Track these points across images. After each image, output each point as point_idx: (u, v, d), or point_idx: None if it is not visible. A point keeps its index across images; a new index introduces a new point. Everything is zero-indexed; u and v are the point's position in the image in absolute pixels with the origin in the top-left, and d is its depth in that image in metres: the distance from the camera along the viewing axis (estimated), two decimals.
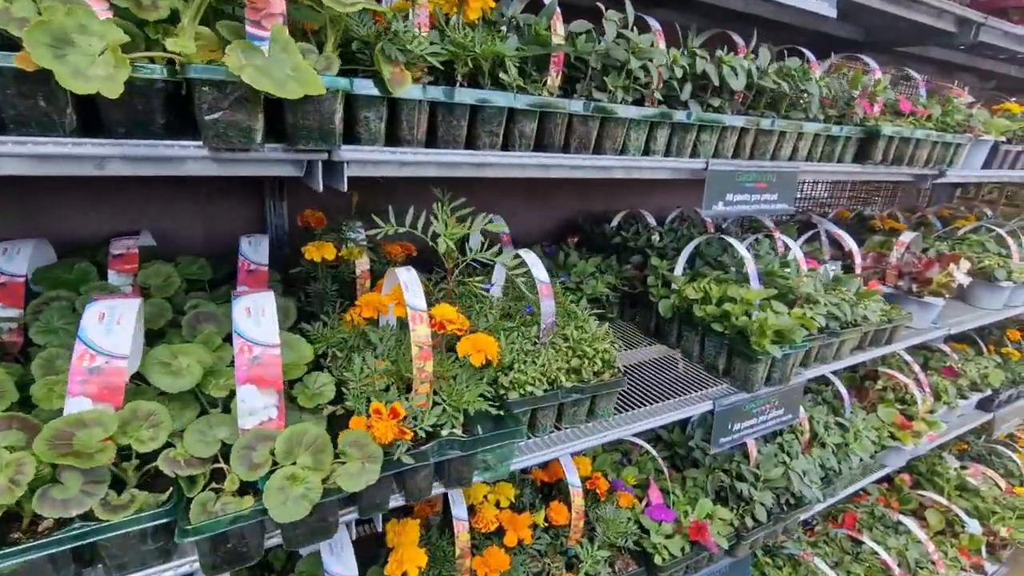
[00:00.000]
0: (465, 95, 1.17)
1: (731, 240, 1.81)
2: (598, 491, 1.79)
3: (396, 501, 1.15)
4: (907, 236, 2.42)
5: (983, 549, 3.00)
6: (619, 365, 1.49)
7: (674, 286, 1.96)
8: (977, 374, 3.02)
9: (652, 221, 2.45)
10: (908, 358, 2.77)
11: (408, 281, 1.18)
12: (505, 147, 1.32)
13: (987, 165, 2.62)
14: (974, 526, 3.04)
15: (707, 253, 2.21)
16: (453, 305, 1.23)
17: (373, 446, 0.97)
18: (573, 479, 1.68)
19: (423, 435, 1.10)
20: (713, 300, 1.81)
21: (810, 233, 2.77)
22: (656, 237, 2.40)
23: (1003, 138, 2.51)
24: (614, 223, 2.54)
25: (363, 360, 1.20)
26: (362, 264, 1.62)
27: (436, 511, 1.71)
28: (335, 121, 0.99)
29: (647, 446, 1.88)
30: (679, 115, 1.51)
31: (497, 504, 1.66)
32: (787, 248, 2.42)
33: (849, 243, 2.15)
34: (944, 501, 3.06)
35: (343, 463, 0.97)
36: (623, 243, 2.34)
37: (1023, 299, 2.89)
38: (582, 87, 1.41)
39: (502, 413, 1.22)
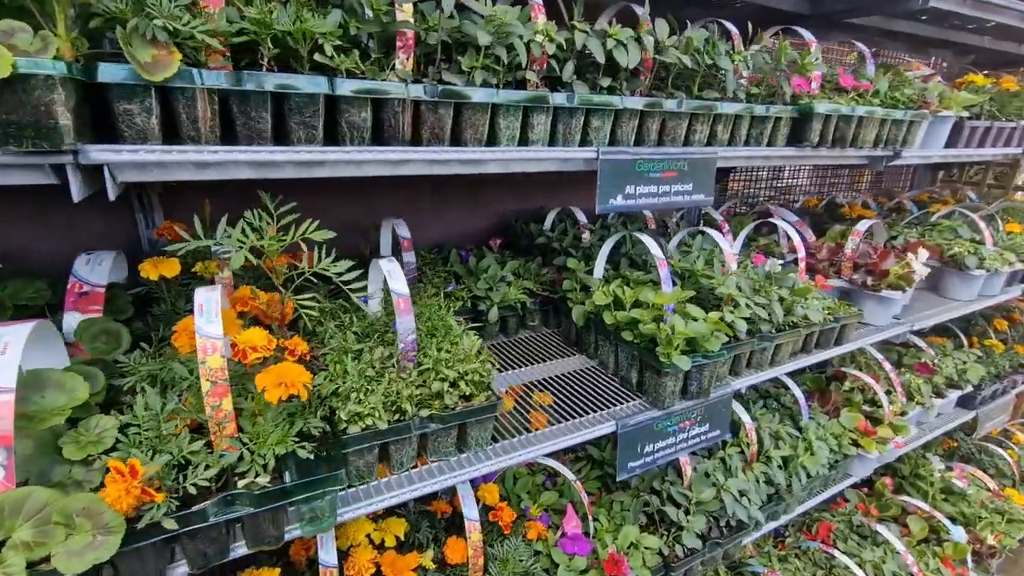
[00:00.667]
0: (259, 81, 0.99)
1: (642, 237, 1.62)
2: (501, 523, 1.60)
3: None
4: (863, 224, 2.21)
5: (968, 558, 2.77)
6: (496, 387, 1.30)
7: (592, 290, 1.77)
8: (955, 370, 2.80)
9: (583, 218, 2.26)
10: (878, 356, 2.56)
11: (204, 302, 1.00)
12: (336, 141, 1.14)
13: (951, 143, 2.40)
14: (959, 533, 2.81)
15: (633, 253, 2.01)
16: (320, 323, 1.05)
17: (110, 513, 0.79)
18: (469, 511, 1.49)
19: (212, 487, 0.92)
20: (626, 305, 1.62)
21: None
22: (587, 235, 2.21)
23: (966, 113, 2.29)
24: (547, 222, 2.36)
25: (162, 397, 1.02)
26: (222, 280, 1.44)
27: (312, 554, 1.53)
28: (56, 115, 0.81)
29: (562, 468, 1.69)
30: (557, 98, 1.32)
31: (381, 544, 1.48)
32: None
33: (792, 235, 1.95)
34: (926, 507, 2.84)
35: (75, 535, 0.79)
36: (547, 244, 2.15)
37: (999, 288, 2.67)
38: (433, 69, 1.23)
39: (326, 453, 1.04)
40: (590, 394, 1.63)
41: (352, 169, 1.17)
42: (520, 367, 1.80)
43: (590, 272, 1.85)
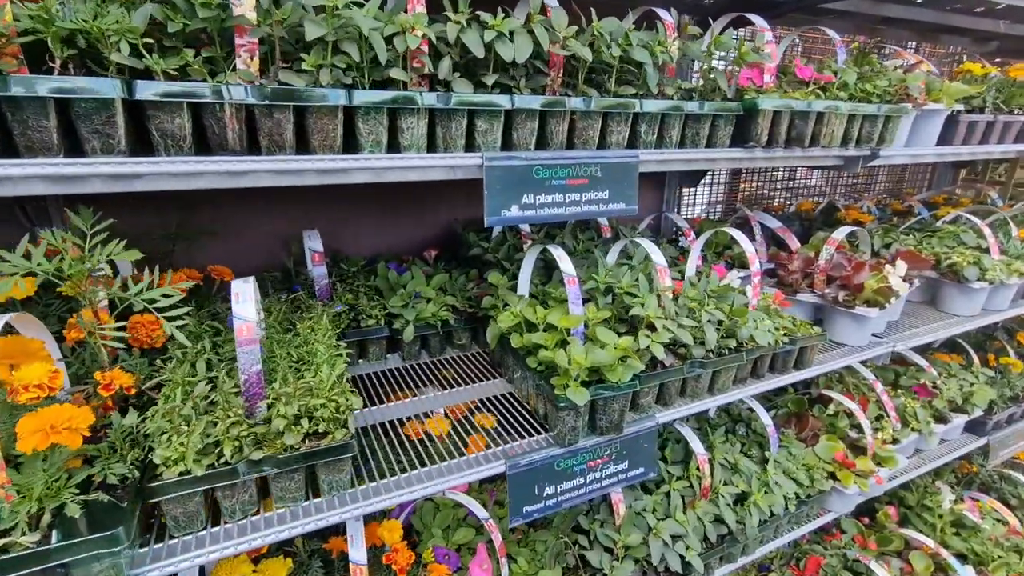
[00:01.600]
0: (29, 85, 0.87)
1: (552, 248, 1.45)
2: (396, 567, 1.45)
3: None
4: (840, 232, 1.97)
5: None
6: (352, 424, 1.16)
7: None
8: (959, 392, 2.50)
9: (527, 227, 2.09)
10: (869, 376, 2.30)
11: None
12: (152, 150, 1.02)
13: (946, 140, 2.13)
14: (967, 574, 2.51)
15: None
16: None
17: None
18: (355, 553, 1.35)
19: None
20: (539, 326, 1.45)
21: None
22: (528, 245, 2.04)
23: (960, 107, 2.03)
24: (495, 231, 2.20)
25: None
26: (96, 301, 1.35)
27: None
28: None
29: (469, 502, 1.52)
30: (428, 99, 1.18)
31: None
32: (684, 255, 2.03)
33: (746, 245, 1.74)
34: (931, 543, 2.54)
35: None
36: (481, 255, 2.00)
37: (1007, 301, 2.36)
38: (273, 69, 1.10)
39: (127, 504, 0.92)
40: (493, 425, 1.47)
41: (175, 182, 1.04)
42: (429, 392, 1.65)
43: (514, 287, 1.69)
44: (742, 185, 3.69)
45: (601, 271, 1.61)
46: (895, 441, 2.31)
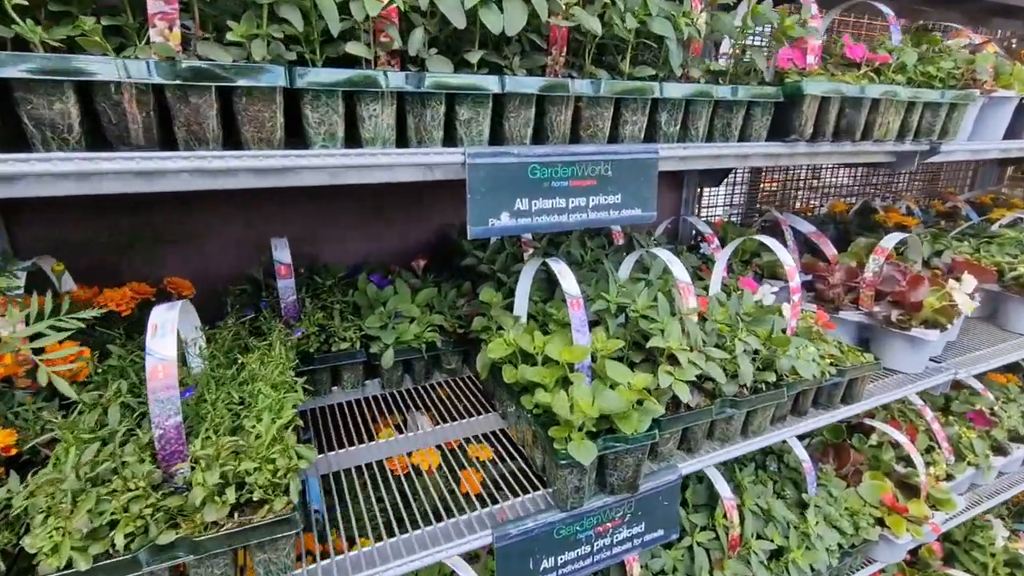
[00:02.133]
0: None
1: (551, 262, 1.20)
2: None
3: None
4: (890, 239, 1.69)
5: None
6: (296, 490, 0.92)
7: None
8: (1021, 420, 2.20)
9: (528, 234, 1.84)
10: (917, 401, 2.01)
11: None
12: (26, 144, 0.79)
13: (1015, 133, 1.84)
14: None
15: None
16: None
17: None
18: None
19: None
20: (537, 357, 1.20)
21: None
22: (530, 254, 1.79)
23: None
24: (494, 238, 1.96)
25: None
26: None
27: None
28: None
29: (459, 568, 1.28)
30: (395, 80, 0.93)
31: None
32: (708, 267, 1.78)
33: (784, 255, 1.47)
34: None
35: None
36: (475, 265, 1.75)
37: None
38: (193, 41, 0.86)
39: None
40: (481, 478, 1.22)
41: (68, 185, 0.81)
42: (413, 425, 1.41)
43: (509, 306, 1.44)
44: (763, 184, 3.41)
45: (612, 288, 1.36)
46: (949, 477, 2.03)
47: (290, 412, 1.01)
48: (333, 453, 1.33)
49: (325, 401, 1.53)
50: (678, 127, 1.26)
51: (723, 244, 2.20)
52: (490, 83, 1.00)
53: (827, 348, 1.47)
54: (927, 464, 2.05)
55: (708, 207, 3.04)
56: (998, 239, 2.18)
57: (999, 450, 2.18)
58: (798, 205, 3.43)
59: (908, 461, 2.12)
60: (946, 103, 1.53)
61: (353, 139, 0.99)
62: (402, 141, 1.02)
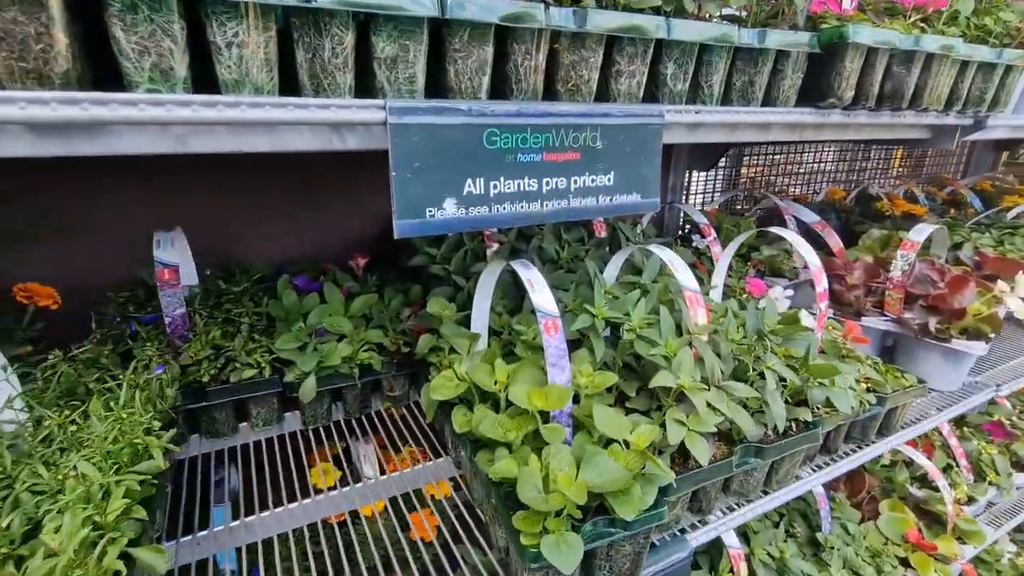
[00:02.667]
0: None
1: (519, 267, 0.87)
2: None
3: None
4: (920, 231, 1.42)
5: None
6: None
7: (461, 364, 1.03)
8: None
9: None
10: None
11: None
12: None
13: None
14: None
15: (560, 285, 1.27)
16: None
17: None
18: None
19: None
20: (500, 397, 0.87)
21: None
22: (494, 249, 1.46)
23: None
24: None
25: None
26: None
27: None
28: None
29: None
30: None
31: None
32: (709, 269, 1.48)
33: (808, 254, 1.18)
34: None
35: None
36: (426, 265, 1.41)
37: None
38: None
39: None
40: (423, 563, 0.90)
41: None
42: (347, 465, 1.08)
43: (464, 321, 1.11)
44: (743, 170, 3.13)
45: (598, 299, 1.04)
46: (970, 500, 1.80)
47: (119, 501, 0.66)
48: (239, 522, 1.00)
49: (224, 444, 1.18)
50: (686, 83, 0.94)
51: (718, 233, 1.91)
52: (422, 5, 0.66)
53: (861, 369, 1.18)
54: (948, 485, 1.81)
55: (693, 194, 2.75)
56: (1022, 230, 1.94)
57: (1019, 465, 1.96)
58: (780, 191, 3.17)
59: (923, 481, 1.88)
60: (1002, 64, 1.25)
61: (208, 82, 0.63)
62: (287, 87, 0.67)
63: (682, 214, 2.23)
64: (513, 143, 0.76)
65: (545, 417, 0.81)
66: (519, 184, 0.78)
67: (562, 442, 0.77)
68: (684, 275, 1.02)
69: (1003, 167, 3.49)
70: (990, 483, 1.84)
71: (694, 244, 1.90)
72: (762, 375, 0.95)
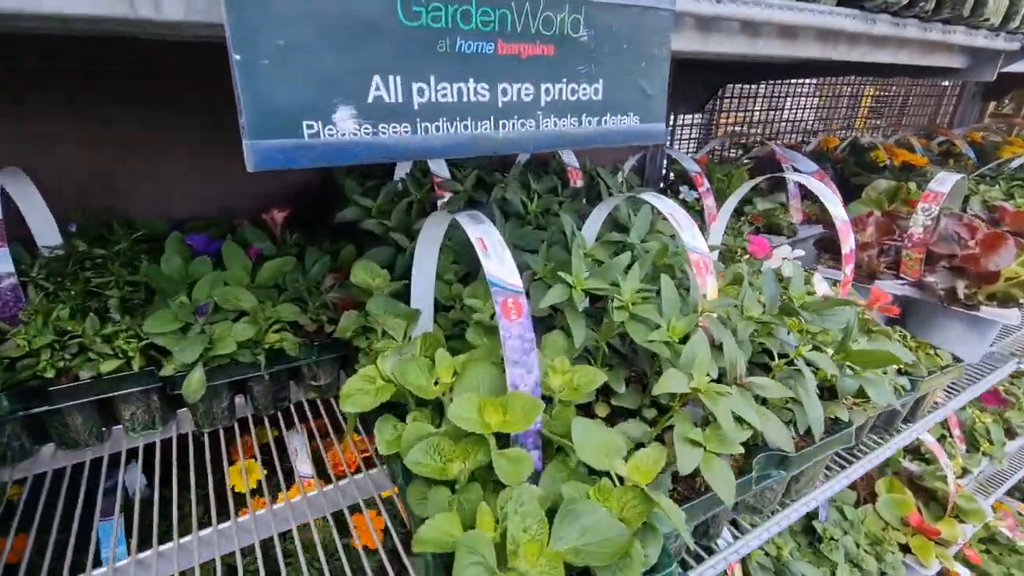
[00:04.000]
0: None
1: (467, 221, 0.60)
2: None
3: None
4: (943, 181, 1.20)
5: None
6: None
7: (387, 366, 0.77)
8: None
9: (442, 170, 1.22)
10: None
11: None
12: None
13: None
14: None
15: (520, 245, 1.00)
16: None
17: None
18: None
19: None
20: (445, 399, 0.62)
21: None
22: (445, 200, 1.17)
23: None
24: (399, 171, 1.32)
25: None
26: None
27: None
28: None
29: None
30: None
31: None
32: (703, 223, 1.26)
33: (833, 203, 0.94)
34: (964, 571, 1.99)
35: None
36: (359, 220, 1.12)
37: None
38: None
39: None
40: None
41: None
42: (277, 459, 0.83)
43: (406, 292, 0.84)
44: (720, 117, 2.89)
45: (576, 263, 0.78)
46: (964, 472, 1.68)
47: None
48: (128, 560, 0.74)
49: (102, 451, 0.90)
50: None
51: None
52: None
53: (889, 347, 0.97)
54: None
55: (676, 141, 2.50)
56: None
57: (1010, 432, 1.86)
58: (753, 142, 2.94)
59: (915, 453, 1.76)
60: None
61: None
62: None
63: (666, 163, 1.98)
64: (448, 18, 0.47)
65: (504, 439, 0.56)
66: (461, 90, 0.50)
67: (527, 479, 0.52)
68: (689, 233, 0.77)
69: (989, 118, 3.34)
70: (983, 453, 1.73)
71: (681, 196, 1.66)
72: (791, 363, 0.72)
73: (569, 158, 1.49)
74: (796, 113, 3.07)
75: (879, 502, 1.44)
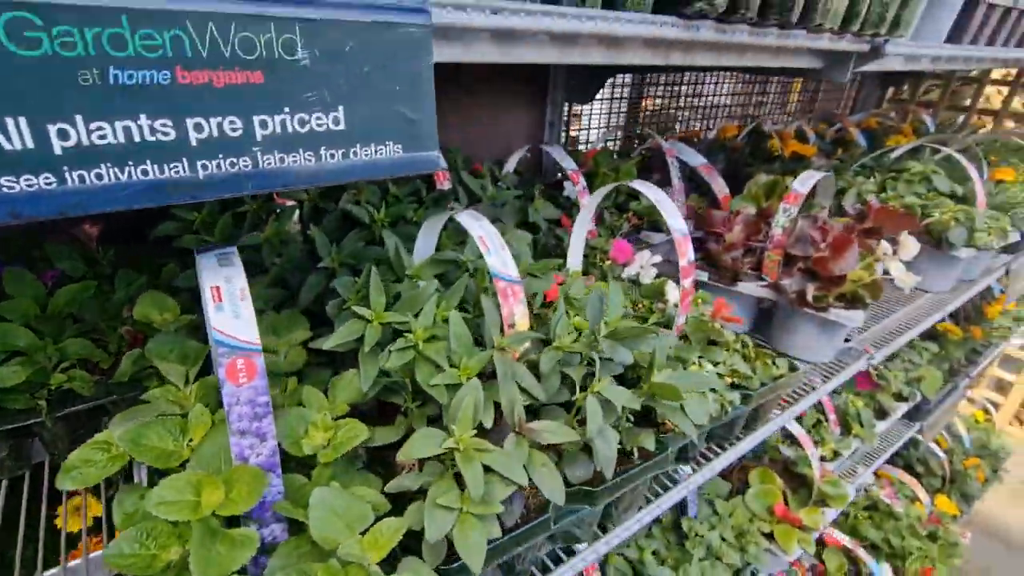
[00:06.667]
0: None
1: (202, 258, 0.52)
2: None
3: None
4: (805, 180, 1.21)
5: None
6: None
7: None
8: (904, 380, 2.00)
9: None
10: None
11: None
12: None
13: (955, 35, 1.41)
14: (883, 573, 2.16)
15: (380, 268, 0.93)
16: None
17: None
18: None
19: None
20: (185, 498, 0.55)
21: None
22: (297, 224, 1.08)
23: None
24: None
25: None
26: None
27: None
28: None
29: None
30: None
31: None
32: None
33: (663, 207, 0.91)
34: (844, 539, 2.12)
35: None
36: (178, 235, 1.01)
37: (978, 270, 1.82)
38: None
39: None
40: None
41: None
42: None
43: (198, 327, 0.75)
44: (644, 102, 2.85)
45: (374, 293, 0.72)
46: (835, 455, 1.77)
47: None
48: None
49: None
50: None
51: (593, 180, 1.64)
52: None
53: (727, 357, 0.97)
54: (815, 443, 1.77)
55: (582, 129, 2.45)
56: (906, 173, 1.83)
57: (881, 413, 1.97)
58: (678, 128, 2.93)
59: (794, 439, 1.84)
60: None
61: None
62: None
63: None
64: (87, 46, 0.39)
65: (234, 519, 0.50)
66: (129, 129, 0.42)
67: (264, 556, 0.47)
68: (497, 258, 0.72)
69: (887, 103, 3.48)
70: (855, 435, 1.82)
71: (565, 193, 1.62)
72: (599, 393, 0.69)
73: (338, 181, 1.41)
74: (726, 99, 3.02)
75: (748, 494, 1.49)
